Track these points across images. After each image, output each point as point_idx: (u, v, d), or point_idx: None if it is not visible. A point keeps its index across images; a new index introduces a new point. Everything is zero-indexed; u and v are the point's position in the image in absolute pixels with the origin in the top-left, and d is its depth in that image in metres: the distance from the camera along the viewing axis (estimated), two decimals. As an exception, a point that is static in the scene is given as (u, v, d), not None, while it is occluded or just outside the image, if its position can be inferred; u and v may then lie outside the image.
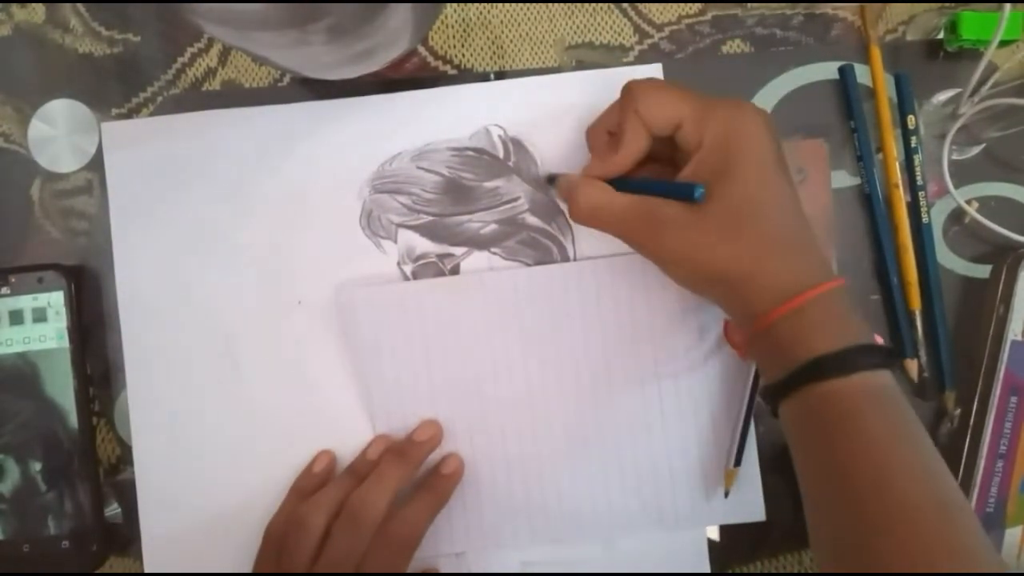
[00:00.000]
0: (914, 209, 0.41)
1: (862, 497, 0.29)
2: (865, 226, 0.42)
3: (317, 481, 0.39)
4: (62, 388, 0.40)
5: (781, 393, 0.32)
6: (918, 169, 0.41)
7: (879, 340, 0.38)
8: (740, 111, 0.33)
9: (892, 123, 0.42)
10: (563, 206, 0.41)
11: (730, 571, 0.41)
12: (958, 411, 0.41)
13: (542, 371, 0.40)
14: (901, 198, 0.41)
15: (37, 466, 0.40)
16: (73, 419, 0.40)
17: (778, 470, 0.41)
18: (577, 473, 0.40)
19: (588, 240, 0.41)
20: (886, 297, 0.41)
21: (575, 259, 0.41)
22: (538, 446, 0.40)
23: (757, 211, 0.32)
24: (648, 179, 0.35)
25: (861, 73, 0.42)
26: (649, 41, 0.43)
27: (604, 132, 0.37)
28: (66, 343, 0.40)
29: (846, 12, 0.43)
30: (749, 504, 0.40)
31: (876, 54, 0.42)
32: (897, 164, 0.41)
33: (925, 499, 0.29)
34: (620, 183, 0.36)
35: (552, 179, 0.40)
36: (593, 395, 0.40)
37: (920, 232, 0.41)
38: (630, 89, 0.35)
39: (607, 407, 0.40)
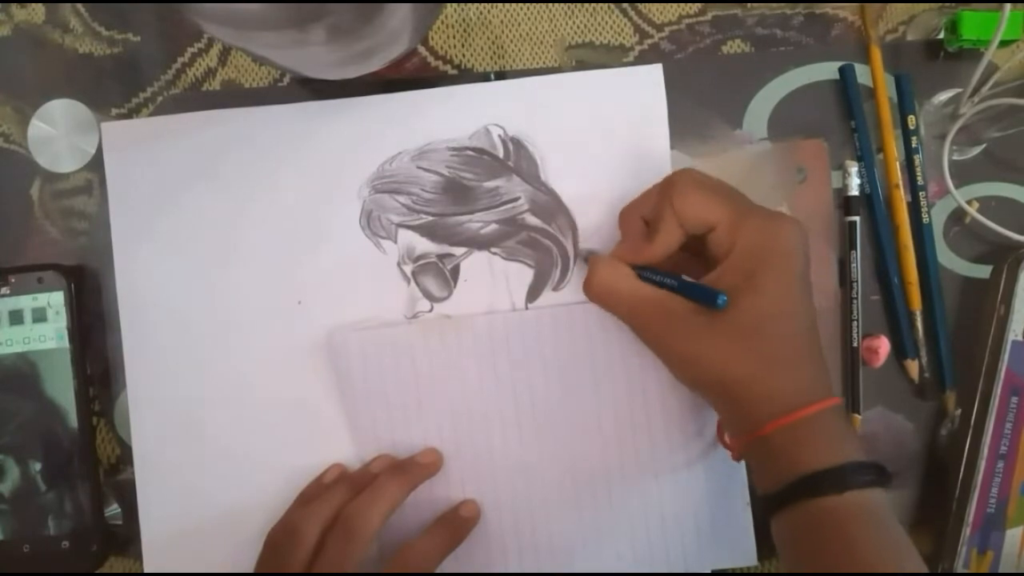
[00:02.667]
0: (915, 209, 0.41)
1: None
2: (866, 226, 0.42)
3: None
4: (62, 388, 0.40)
5: (774, 506, 0.32)
6: (918, 169, 0.41)
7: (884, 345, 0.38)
8: (775, 224, 0.33)
9: (892, 123, 0.41)
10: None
11: (730, 571, 0.41)
12: (959, 411, 0.41)
13: (534, 413, 0.40)
14: (902, 198, 0.41)
15: (37, 466, 0.40)
16: (73, 419, 0.40)
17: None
18: (568, 516, 0.40)
19: (589, 240, 0.41)
20: (886, 297, 0.41)
21: (575, 259, 0.41)
22: (530, 489, 0.40)
23: (770, 326, 0.32)
24: (672, 275, 0.35)
25: (861, 73, 0.42)
26: (649, 41, 0.43)
27: (638, 217, 0.37)
28: (66, 343, 0.40)
29: (846, 12, 0.43)
30: (742, 548, 0.40)
31: (876, 54, 0.42)
32: (897, 164, 0.41)
33: None
34: (642, 269, 0.36)
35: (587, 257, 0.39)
36: (585, 438, 0.40)
37: (921, 232, 0.41)
38: (671, 182, 0.35)
39: (599, 451, 0.40)
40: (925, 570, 0.31)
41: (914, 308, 0.41)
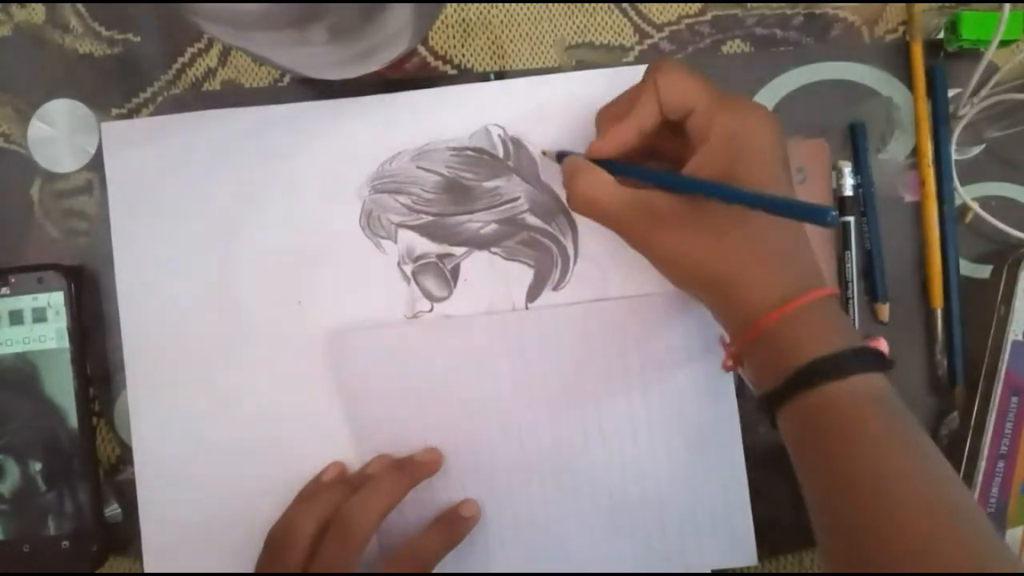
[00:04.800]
0: (941, 208, 0.41)
1: (865, 505, 0.29)
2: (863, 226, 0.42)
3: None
4: (62, 388, 0.40)
5: (777, 401, 0.32)
6: (952, 166, 0.41)
7: (883, 345, 0.38)
8: (751, 112, 0.33)
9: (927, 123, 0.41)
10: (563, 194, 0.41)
11: (730, 571, 0.41)
12: (955, 413, 0.41)
13: (533, 412, 0.40)
14: (932, 196, 0.41)
15: (37, 466, 0.40)
16: (73, 419, 0.40)
17: (777, 470, 0.40)
18: (568, 516, 0.40)
19: (589, 240, 0.41)
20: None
21: (575, 259, 0.41)
22: (530, 489, 0.40)
23: (757, 216, 0.31)
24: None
25: (862, 73, 0.42)
26: (649, 41, 0.43)
27: (615, 114, 0.36)
28: (66, 343, 0.40)
29: (846, 12, 0.43)
30: (742, 548, 0.40)
31: (917, 51, 0.41)
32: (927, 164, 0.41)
33: (930, 503, 0.28)
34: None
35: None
36: (585, 437, 0.40)
37: (945, 231, 0.41)
38: (656, 65, 0.35)
39: (599, 449, 0.40)
40: (935, 448, 0.30)
41: (935, 307, 0.41)
